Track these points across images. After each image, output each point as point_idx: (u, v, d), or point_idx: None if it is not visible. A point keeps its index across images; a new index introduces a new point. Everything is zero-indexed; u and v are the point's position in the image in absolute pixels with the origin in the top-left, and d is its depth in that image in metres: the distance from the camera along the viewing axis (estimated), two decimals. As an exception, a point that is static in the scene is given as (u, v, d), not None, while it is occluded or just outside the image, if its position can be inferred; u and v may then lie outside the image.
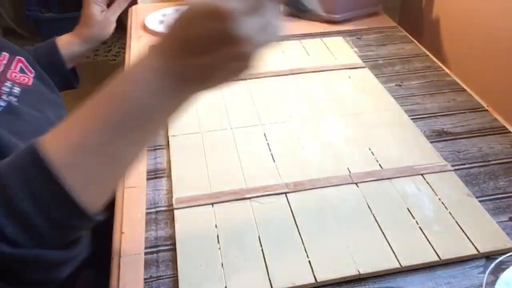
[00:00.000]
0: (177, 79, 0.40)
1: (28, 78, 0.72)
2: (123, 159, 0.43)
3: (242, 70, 0.43)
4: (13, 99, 0.68)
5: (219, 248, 0.60)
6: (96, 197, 0.42)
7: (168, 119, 0.43)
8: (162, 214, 0.66)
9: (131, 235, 0.63)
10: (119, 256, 0.60)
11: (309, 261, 0.58)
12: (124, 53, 1.16)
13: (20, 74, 0.71)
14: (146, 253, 0.61)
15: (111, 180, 0.44)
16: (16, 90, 0.69)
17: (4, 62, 0.65)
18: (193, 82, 0.41)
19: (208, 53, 0.39)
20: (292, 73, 0.97)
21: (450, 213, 0.65)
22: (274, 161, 0.74)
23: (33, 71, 0.70)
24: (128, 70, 0.42)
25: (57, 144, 0.40)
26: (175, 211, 0.65)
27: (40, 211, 0.39)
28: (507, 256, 0.57)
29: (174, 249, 0.61)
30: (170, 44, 0.40)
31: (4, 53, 0.65)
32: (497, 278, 0.55)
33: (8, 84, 0.69)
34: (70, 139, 0.41)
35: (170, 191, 0.70)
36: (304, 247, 0.60)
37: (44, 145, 0.40)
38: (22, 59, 0.70)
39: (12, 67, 0.69)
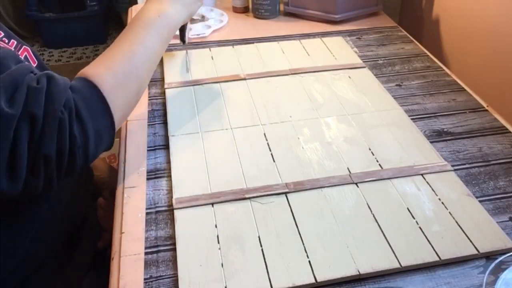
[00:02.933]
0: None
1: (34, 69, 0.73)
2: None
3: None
4: None
5: (219, 248, 0.60)
6: (120, 119, 0.65)
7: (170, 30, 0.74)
8: (162, 214, 0.66)
9: (131, 235, 0.63)
10: (119, 256, 0.60)
11: (309, 261, 0.58)
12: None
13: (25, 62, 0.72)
14: (146, 253, 0.61)
15: (133, 102, 0.68)
16: None
17: (13, 47, 0.67)
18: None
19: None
20: (292, 73, 0.97)
21: (450, 213, 0.65)
22: (274, 161, 0.74)
23: (36, 61, 0.72)
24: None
25: (104, 74, 0.62)
26: (175, 211, 0.65)
27: (92, 119, 0.58)
28: (507, 256, 0.57)
29: (174, 249, 0.61)
30: None
31: (13, 40, 0.68)
32: (497, 278, 0.55)
33: None
34: (111, 68, 0.64)
35: (170, 191, 0.70)
36: (304, 247, 0.60)
37: (94, 75, 0.61)
38: (28, 49, 0.71)
39: (19, 54, 0.70)
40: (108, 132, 0.61)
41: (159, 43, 0.71)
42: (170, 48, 1.06)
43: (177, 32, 0.84)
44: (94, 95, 0.60)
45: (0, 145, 0.51)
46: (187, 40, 0.97)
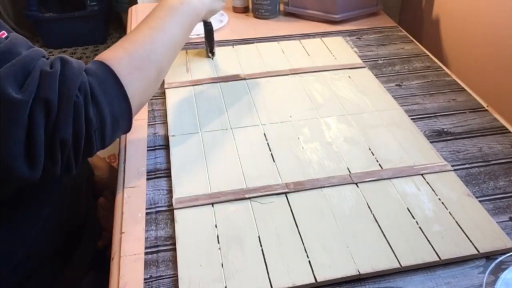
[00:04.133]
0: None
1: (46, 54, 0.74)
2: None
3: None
4: None
5: (219, 248, 0.60)
6: (138, 104, 0.65)
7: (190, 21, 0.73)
8: (162, 214, 0.66)
9: (131, 235, 0.63)
10: (119, 256, 0.60)
11: (309, 261, 0.58)
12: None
13: None
14: (146, 253, 0.61)
15: (152, 87, 0.67)
16: None
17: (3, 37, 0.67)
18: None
19: None
20: (292, 73, 0.97)
21: (450, 213, 0.65)
22: (274, 161, 0.74)
23: None
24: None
25: (121, 57, 0.62)
26: (175, 211, 0.65)
27: (108, 103, 0.58)
28: (507, 256, 0.57)
29: (174, 249, 0.61)
30: None
31: (3, 31, 0.68)
32: (497, 278, 0.55)
33: None
34: (129, 53, 0.63)
35: (170, 191, 0.70)
36: (304, 247, 0.60)
37: (111, 59, 0.61)
38: None
39: None
40: (125, 116, 0.61)
41: (180, 30, 0.71)
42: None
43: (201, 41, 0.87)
44: (110, 79, 0.60)
45: (16, 132, 0.51)
46: (215, 52, 1.01)
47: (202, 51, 1.06)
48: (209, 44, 1.01)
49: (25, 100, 0.52)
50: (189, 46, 1.08)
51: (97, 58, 0.62)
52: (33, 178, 0.54)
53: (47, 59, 0.59)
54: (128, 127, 0.64)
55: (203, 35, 1.14)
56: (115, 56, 0.62)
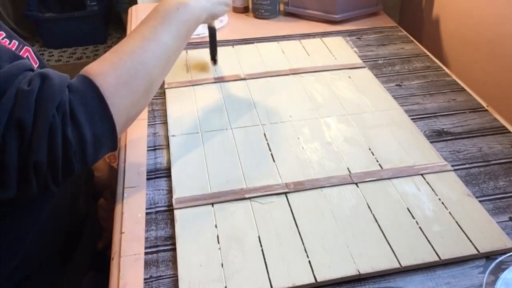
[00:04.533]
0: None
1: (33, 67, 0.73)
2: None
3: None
4: None
5: (219, 248, 0.60)
6: (125, 121, 0.60)
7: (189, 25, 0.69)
8: (162, 214, 0.66)
9: (131, 235, 0.63)
10: (119, 256, 0.60)
11: (309, 261, 0.58)
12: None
13: None
14: (146, 253, 0.61)
15: (141, 102, 0.63)
16: None
17: (14, 48, 0.66)
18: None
19: None
20: (292, 73, 0.97)
21: (450, 213, 0.65)
22: (274, 161, 0.74)
23: (37, 61, 0.71)
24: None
25: (107, 71, 0.58)
26: (175, 211, 0.65)
27: (90, 122, 0.54)
28: (507, 256, 0.57)
29: (174, 249, 0.61)
30: None
31: (14, 41, 0.67)
32: (497, 278, 0.55)
33: None
34: (113, 65, 0.59)
35: (170, 191, 0.70)
36: (304, 247, 0.60)
37: (96, 73, 0.57)
38: (30, 49, 0.70)
39: (21, 54, 0.69)
40: (108, 136, 0.57)
41: (176, 38, 0.65)
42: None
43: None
44: (93, 97, 0.55)
45: None
46: (217, 60, 0.97)
47: (202, 51, 1.06)
48: (211, 50, 0.97)
49: None
50: (189, 46, 1.08)
51: (84, 71, 0.58)
52: (6, 197, 0.53)
53: (33, 71, 0.56)
54: (113, 147, 0.59)
55: (204, 35, 1.14)
56: (101, 70, 0.58)
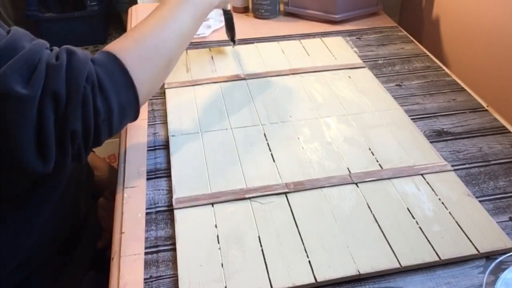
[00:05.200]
0: None
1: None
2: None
3: None
4: None
5: (219, 248, 0.60)
6: (146, 93, 0.65)
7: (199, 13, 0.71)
8: (162, 214, 0.66)
9: (131, 235, 0.63)
10: (119, 256, 0.60)
11: (309, 261, 0.58)
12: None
13: None
14: (146, 253, 0.61)
15: (161, 76, 0.68)
16: None
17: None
18: None
19: None
20: (292, 73, 0.97)
21: (450, 213, 0.65)
22: (274, 161, 0.74)
23: None
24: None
25: (128, 47, 0.62)
26: (175, 211, 0.65)
27: (115, 92, 0.58)
28: (507, 256, 0.57)
29: (174, 249, 0.61)
30: None
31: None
32: (497, 278, 0.55)
33: None
34: (136, 41, 0.63)
35: (170, 191, 0.70)
36: (304, 247, 0.60)
37: (118, 49, 0.61)
38: None
39: None
40: (132, 105, 0.61)
41: (191, 20, 0.70)
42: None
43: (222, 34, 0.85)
44: (117, 68, 0.59)
45: (26, 128, 0.52)
46: (236, 41, 1.00)
47: (202, 51, 1.06)
48: (230, 32, 1.00)
49: (33, 95, 0.52)
50: (189, 46, 1.08)
51: (105, 48, 0.62)
52: (46, 171, 0.55)
53: (51, 50, 0.59)
54: (135, 116, 0.64)
55: (204, 35, 1.14)
56: (123, 46, 0.63)
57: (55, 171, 0.56)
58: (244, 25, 1.21)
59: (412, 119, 0.84)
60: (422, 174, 0.71)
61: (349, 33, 1.16)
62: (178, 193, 0.68)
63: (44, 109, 0.53)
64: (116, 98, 0.58)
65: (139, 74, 0.61)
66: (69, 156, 0.56)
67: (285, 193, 0.68)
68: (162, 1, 0.70)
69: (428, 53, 1.07)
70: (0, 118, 0.51)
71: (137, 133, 0.82)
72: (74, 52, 0.57)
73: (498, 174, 0.73)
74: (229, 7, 0.94)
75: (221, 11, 1.11)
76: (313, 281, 0.56)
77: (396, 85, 0.95)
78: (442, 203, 0.66)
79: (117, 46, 0.62)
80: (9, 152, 0.53)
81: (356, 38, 1.14)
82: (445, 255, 0.59)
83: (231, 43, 1.02)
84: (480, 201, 0.67)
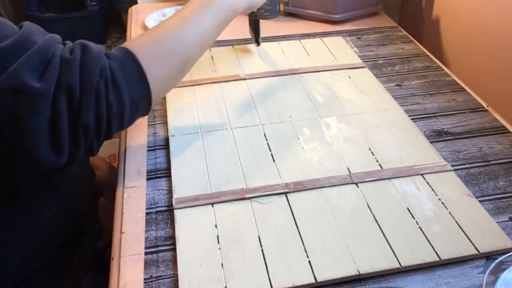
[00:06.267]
0: None
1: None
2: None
3: None
4: None
5: (219, 248, 0.60)
6: (160, 91, 0.65)
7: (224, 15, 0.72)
8: (162, 214, 0.66)
9: (131, 235, 0.63)
10: (119, 256, 0.60)
11: (309, 261, 0.58)
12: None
13: None
14: (146, 253, 0.61)
15: (176, 77, 0.68)
16: None
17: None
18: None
19: None
20: (292, 73, 0.97)
21: (450, 213, 0.65)
22: (274, 161, 0.74)
23: None
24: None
25: (145, 44, 0.63)
26: (175, 211, 0.65)
27: (128, 86, 0.59)
28: (507, 256, 0.57)
29: (174, 249, 0.61)
30: None
31: None
32: (497, 278, 0.55)
33: None
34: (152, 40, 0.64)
35: (170, 191, 0.70)
36: (304, 247, 0.60)
37: (134, 46, 0.62)
38: None
39: None
40: (144, 99, 0.62)
41: (213, 24, 0.70)
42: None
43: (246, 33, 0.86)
44: (130, 63, 0.60)
45: (40, 122, 0.52)
46: (261, 42, 1.00)
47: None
48: (254, 34, 1.01)
49: (47, 89, 0.53)
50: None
51: (123, 45, 0.63)
52: (59, 164, 0.56)
53: (64, 44, 0.60)
54: (147, 110, 0.64)
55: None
56: (140, 43, 0.64)
57: (67, 164, 0.57)
58: (244, 25, 1.21)
59: (412, 119, 0.84)
60: (422, 174, 0.71)
61: (349, 33, 1.16)
62: (178, 193, 0.68)
63: (58, 103, 0.53)
64: (129, 93, 0.59)
65: (153, 71, 0.62)
66: (82, 149, 0.57)
67: (285, 193, 0.68)
68: (189, 1, 0.71)
69: (428, 53, 1.07)
70: (14, 112, 0.52)
71: (137, 133, 0.82)
72: (88, 47, 0.58)
73: (498, 174, 0.73)
74: (256, 12, 0.94)
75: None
76: (313, 281, 0.56)
77: (396, 85, 0.95)
78: (442, 203, 0.66)
79: (134, 43, 0.64)
80: (23, 146, 0.53)
81: (356, 38, 1.14)
82: (445, 255, 0.59)
83: (255, 44, 1.03)
84: (480, 201, 0.67)
